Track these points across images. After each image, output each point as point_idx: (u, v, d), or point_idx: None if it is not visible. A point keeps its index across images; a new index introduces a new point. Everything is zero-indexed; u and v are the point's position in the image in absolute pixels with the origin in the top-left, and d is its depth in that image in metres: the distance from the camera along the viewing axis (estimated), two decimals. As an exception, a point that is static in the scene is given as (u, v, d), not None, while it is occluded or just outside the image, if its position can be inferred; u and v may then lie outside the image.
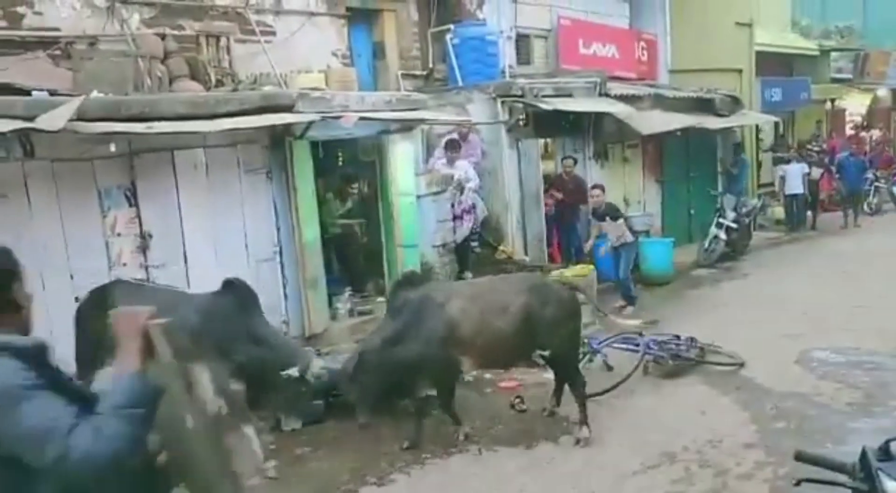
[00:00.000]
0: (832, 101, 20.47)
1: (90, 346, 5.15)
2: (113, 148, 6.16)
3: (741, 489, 4.71)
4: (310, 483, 5.15)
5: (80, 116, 5.76)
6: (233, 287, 5.63)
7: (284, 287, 7.82)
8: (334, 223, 8.90)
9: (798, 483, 2.31)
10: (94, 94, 6.35)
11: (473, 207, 9.87)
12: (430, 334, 5.32)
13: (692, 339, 7.34)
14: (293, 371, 5.33)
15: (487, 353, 5.54)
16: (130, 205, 6.78)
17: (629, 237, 9.75)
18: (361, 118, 7.68)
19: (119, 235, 6.71)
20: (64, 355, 6.30)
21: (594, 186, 10.15)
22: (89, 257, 6.52)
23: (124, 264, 6.75)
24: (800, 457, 2.25)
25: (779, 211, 15.77)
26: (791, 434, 5.42)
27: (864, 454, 2.06)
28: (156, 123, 6.22)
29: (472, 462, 5.35)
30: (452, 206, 9.64)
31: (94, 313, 5.18)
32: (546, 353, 5.70)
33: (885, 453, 2.02)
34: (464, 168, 9.66)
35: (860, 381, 6.49)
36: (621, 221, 9.79)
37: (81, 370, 5.14)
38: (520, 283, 5.82)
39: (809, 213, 15.53)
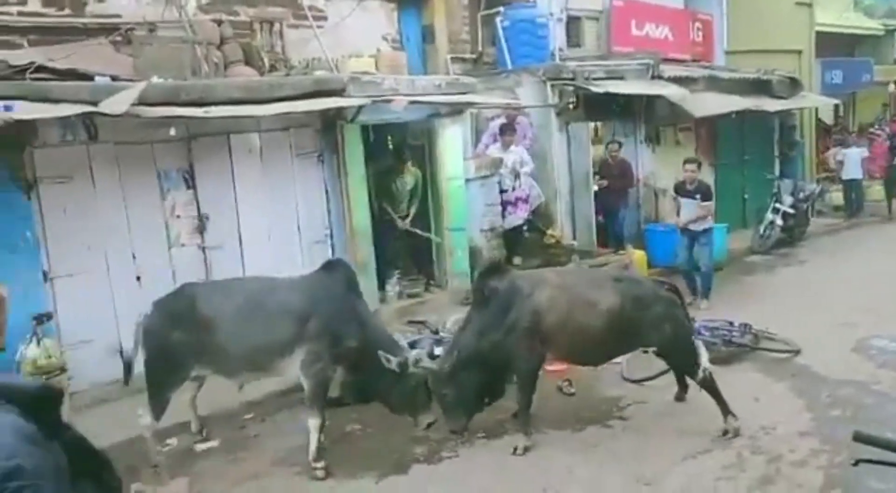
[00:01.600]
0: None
1: (167, 362, 4.99)
2: (173, 132, 6.35)
3: (795, 476, 4.64)
4: (359, 461, 5.26)
5: (142, 101, 5.94)
6: (336, 268, 5.39)
7: (335, 269, 7.95)
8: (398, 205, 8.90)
9: (856, 464, 2.27)
10: (154, 79, 6.52)
11: (529, 195, 9.84)
12: (515, 324, 5.14)
13: (746, 325, 7.21)
14: (393, 364, 5.02)
15: (574, 347, 5.38)
16: (188, 187, 6.99)
17: (711, 222, 8.93)
18: (411, 102, 7.73)
19: (178, 216, 6.92)
20: (129, 339, 6.52)
21: (689, 160, 9.20)
22: (150, 237, 6.75)
23: (182, 245, 6.97)
24: (858, 438, 2.21)
25: (837, 196, 15.30)
26: (847, 422, 5.29)
27: (926, 437, 2.02)
28: (213, 108, 6.38)
29: (518, 445, 5.37)
30: (504, 191, 9.62)
31: (170, 324, 4.98)
32: (652, 350, 5.57)
33: (949, 435, 1.98)
34: (518, 153, 9.63)
35: (922, 370, 6.31)
36: (711, 202, 8.97)
37: (155, 389, 5.01)
38: (610, 280, 5.61)
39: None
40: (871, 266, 10.38)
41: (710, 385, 5.37)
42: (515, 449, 5.20)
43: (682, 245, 8.97)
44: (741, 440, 5.18)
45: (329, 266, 5.42)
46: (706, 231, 8.84)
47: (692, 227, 8.79)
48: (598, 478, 4.79)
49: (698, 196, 8.76)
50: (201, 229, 7.08)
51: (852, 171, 14.57)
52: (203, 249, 7.09)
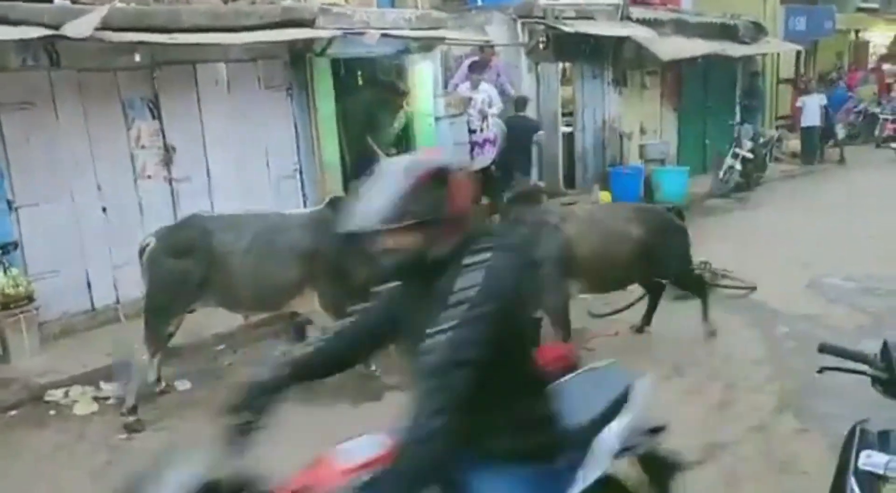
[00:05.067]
0: (856, 32, 19.96)
1: (171, 292, 4.86)
2: (138, 58, 6.17)
3: (750, 400, 4.90)
4: (335, 390, 5.33)
5: (104, 26, 5.75)
6: (340, 205, 5.19)
7: (304, 205, 7.91)
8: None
9: (821, 371, 2.44)
10: (117, 3, 6.28)
11: (496, 136, 9.85)
12: (546, 255, 5.18)
13: (705, 263, 7.44)
14: None
15: (601, 277, 5.56)
16: (154, 117, 6.83)
17: None
18: (383, 35, 7.61)
19: (143, 147, 6.79)
20: (96, 270, 6.51)
21: None
22: (115, 168, 6.62)
23: (149, 177, 6.85)
24: (823, 349, 2.38)
25: (795, 143, 15.67)
26: (799, 353, 5.58)
27: (885, 346, 2.19)
28: (179, 34, 6.21)
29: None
30: (472, 132, 9.60)
31: (178, 254, 4.84)
32: (667, 280, 5.93)
33: (906, 344, 2.14)
34: (487, 91, 9.58)
35: (870, 306, 6.62)
36: None
37: (155, 322, 4.89)
38: (634, 211, 5.91)
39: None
40: (825, 210, 10.78)
41: (704, 299, 6.02)
42: None
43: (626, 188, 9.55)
44: (700, 369, 5.43)
45: (333, 202, 5.31)
46: None
47: None
48: (565, 404, 4.98)
49: None
50: (167, 161, 6.95)
51: (810, 118, 14.90)
52: (170, 181, 6.98)
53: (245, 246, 4.92)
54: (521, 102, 9.75)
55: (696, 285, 6.12)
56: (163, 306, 4.90)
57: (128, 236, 6.67)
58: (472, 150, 9.69)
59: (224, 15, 6.90)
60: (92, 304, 6.56)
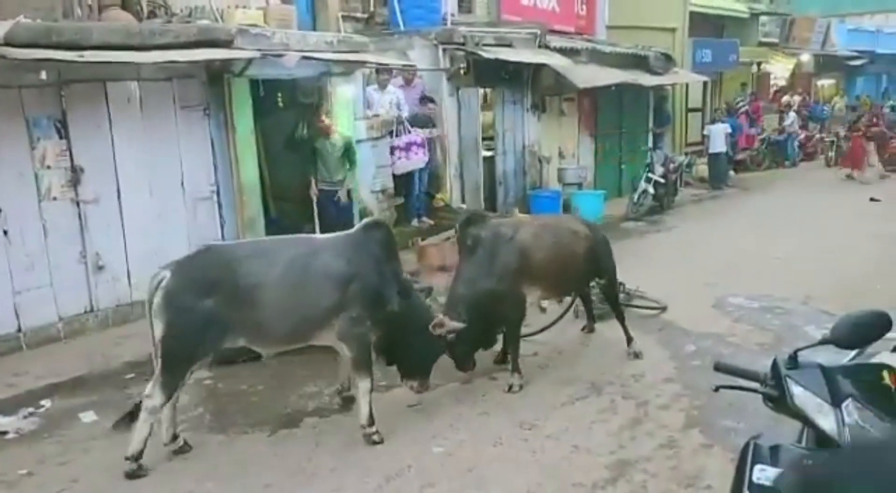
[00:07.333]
0: (758, 64, 21.18)
1: (197, 334, 4.32)
2: (44, 76, 5.93)
3: (660, 418, 5.07)
4: (252, 417, 5.26)
5: (8, 42, 5.52)
6: (376, 229, 5.01)
7: (222, 227, 7.78)
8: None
9: (717, 389, 2.56)
10: (21, 19, 6.04)
11: (428, 141, 9.98)
12: (505, 267, 5.42)
13: (620, 284, 7.67)
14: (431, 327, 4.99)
15: (557, 280, 5.87)
16: (61, 137, 6.58)
17: None
18: (304, 57, 7.58)
19: (49, 167, 6.52)
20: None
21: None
22: (18, 189, 6.33)
23: (54, 198, 6.58)
24: (718, 367, 2.50)
25: (703, 168, 16.44)
26: (706, 371, 5.75)
27: (774, 364, 2.31)
28: (89, 52, 6.01)
29: (411, 396, 5.50)
30: (391, 135, 9.66)
31: (201, 291, 4.31)
32: (603, 281, 6.30)
33: (793, 362, 2.27)
34: (394, 92, 9.73)
35: (771, 324, 6.99)
36: None
37: (175, 365, 4.32)
38: (576, 219, 6.67)
39: None
40: (731, 232, 11.35)
41: (622, 315, 6.37)
42: (511, 387, 5.55)
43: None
44: (614, 388, 5.59)
45: (368, 227, 5.02)
46: None
47: None
48: (483, 424, 5.03)
49: None
50: (75, 182, 6.69)
51: (716, 145, 15.68)
52: (77, 202, 6.71)
53: (278, 274, 4.48)
54: None
55: (616, 295, 6.47)
56: (186, 351, 4.35)
57: (31, 261, 6.40)
58: (391, 153, 9.72)
59: (138, 33, 6.73)
60: (-10, 332, 6.21)
